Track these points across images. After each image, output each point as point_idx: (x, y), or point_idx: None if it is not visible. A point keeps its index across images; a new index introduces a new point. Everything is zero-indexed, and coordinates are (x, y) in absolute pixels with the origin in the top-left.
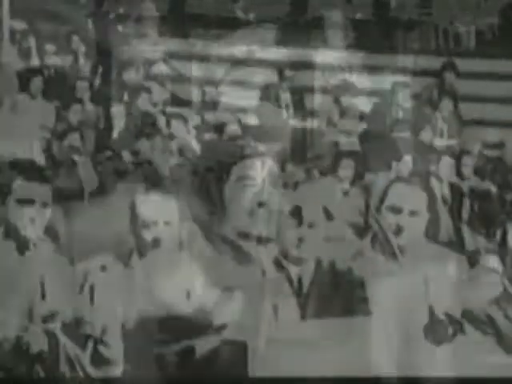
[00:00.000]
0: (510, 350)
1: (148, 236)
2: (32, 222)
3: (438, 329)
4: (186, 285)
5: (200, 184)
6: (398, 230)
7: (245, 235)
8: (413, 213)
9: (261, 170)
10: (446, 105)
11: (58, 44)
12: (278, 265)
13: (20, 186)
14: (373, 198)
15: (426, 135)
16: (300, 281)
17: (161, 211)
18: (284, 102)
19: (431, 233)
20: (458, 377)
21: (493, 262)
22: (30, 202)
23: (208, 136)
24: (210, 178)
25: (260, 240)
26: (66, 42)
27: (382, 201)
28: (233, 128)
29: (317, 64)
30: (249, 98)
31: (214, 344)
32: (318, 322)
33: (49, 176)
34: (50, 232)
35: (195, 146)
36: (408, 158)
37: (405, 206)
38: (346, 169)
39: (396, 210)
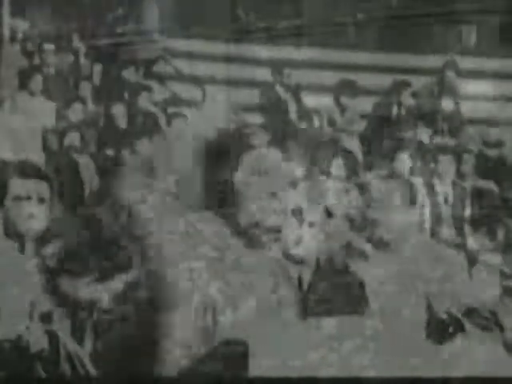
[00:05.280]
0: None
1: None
2: (31, 217)
3: (439, 328)
4: None
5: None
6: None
7: (256, 226)
8: (405, 208)
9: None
10: (447, 103)
11: (58, 43)
12: (279, 263)
13: (16, 183)
14: (369, 195)
15: (426, 134)
16: (300, 279)
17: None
18: (284, 100)
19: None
20: (457, 376)
21: (494, 260)
22: (26, 198)
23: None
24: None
25: (271, 231)
26: (66, 40)
27: (373, 197)
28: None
29: (316, 62)
30: (249, 97)
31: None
32: (317, 320)
33: (45, 173)
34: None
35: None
36: (407, 157)
37: (395, 203)
38: (339, 167)
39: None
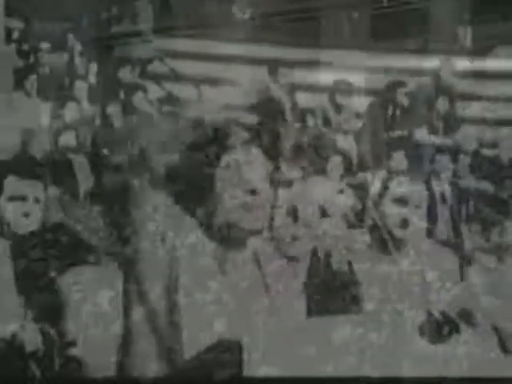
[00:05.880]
0: (507, 348)
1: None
2: (26, 216)
3: (434, 328)
4: None
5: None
6: (404, 223)
7: (236, 227)
8: (416, 206)
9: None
10: (442, 103)
11: (53, 42)
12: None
13: (11, 183)
14: (371, 195)
15: (421, 134)
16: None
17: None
18: (278, 100)
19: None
20: (454, 376)
21: (489, 260)
22: (22, 198)
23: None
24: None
25: (252, 233)
26: (61, 40)
27: (381, 196)
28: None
29: (313, 62)
30: (245, 97)
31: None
32: (313, 319)
33: (40, 172)
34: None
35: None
36: (404, 156)
37: (409, 200)
38: (336, 167)
39: (401, 203)
